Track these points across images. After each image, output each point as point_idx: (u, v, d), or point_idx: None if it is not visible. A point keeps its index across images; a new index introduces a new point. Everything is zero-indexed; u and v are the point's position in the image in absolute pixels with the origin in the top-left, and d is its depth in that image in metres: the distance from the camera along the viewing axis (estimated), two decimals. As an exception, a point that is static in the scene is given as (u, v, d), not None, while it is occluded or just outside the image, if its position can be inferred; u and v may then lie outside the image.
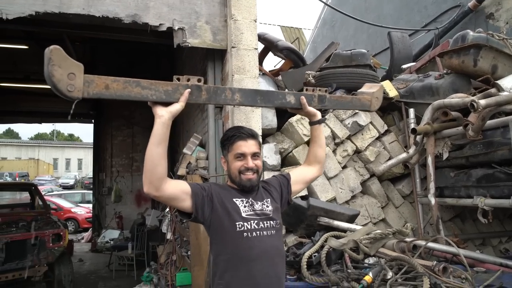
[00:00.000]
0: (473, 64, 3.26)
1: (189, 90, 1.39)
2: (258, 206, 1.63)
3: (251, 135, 1.65)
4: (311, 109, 1.72)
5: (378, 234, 2.68)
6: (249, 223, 1.57)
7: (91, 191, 11.46)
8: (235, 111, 3.06)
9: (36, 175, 26.16)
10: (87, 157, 31.25)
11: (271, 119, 3.27)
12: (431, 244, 2.59)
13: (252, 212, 1.60)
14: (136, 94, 1.30)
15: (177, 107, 1.39)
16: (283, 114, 3.29)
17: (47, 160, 32.42)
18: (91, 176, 14.29)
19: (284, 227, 3.16)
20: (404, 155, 3.34)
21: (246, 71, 3.17)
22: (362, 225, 3.14)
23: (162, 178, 1.41)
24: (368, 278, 2.07)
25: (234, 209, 1.59)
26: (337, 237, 2.65)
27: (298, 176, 1.84)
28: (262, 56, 4.82)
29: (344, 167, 3.35)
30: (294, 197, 1.93)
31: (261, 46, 4.99)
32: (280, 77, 4.31)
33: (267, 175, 3.09)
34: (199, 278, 3.35)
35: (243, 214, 1.58)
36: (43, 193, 11.09)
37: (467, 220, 3.83)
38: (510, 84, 2.87)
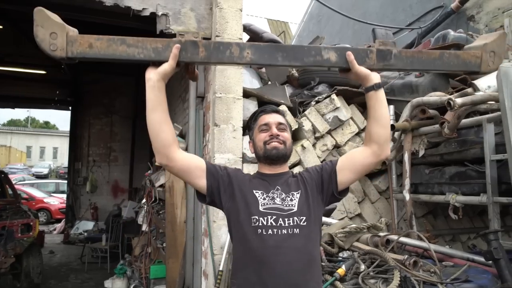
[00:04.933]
0: (451, 64, 3.32)
1: (178, 45, 1.22)
2: (279, 199, 1.41)
3: (276, 110, 1.54)
4: (361, 69, 1.31)
5: (353, 228, 2.72)
6: (265, 218, 1.36)
7: (66, 181, 11.16)
8: (216, 102, 3.02)
9: (7, 163, 25.26)
10: (63, 145, 30.34)
11: (253, 110, 3.24)
12: (403, 239, 2.64)
13: (271, 206, 1.39)
14: (121, 53, 1.21)
15: (164, 66, 1.24)
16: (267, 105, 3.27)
17: (20, 148, 31.33)
18: (66, 166, 13.94)
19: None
20: (381, 151, 3.38)
21: (228, 61, 3.12)
22: (339, 220, 3.18)
23: (169, 145, 1.32)
24: (341, 270, 2.09)
25: (252, 201, 1.40)
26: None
27: (346, 160, 1.47)
28: (245, 48, 4.78)
29: (323, 161, 3.36)
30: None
31: (246, 37, 4.95)
32: (263, 69, 4.28)
33: (246, 168, 3.07)
34: (174, 270, 3.32)
35: (261, 208, 1.38)
36: (14, 182, 10.74)
37: (439, 217, 3.93)
38: (486, 85, 2.94)
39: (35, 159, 32.48)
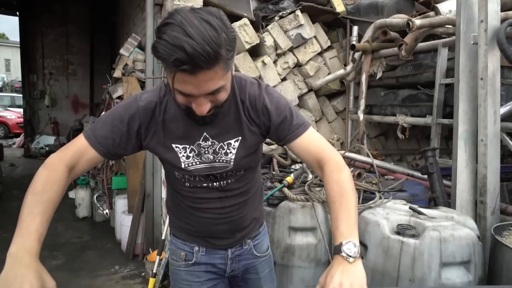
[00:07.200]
0: (418, -16, 3.27)
1: None
2: (210, 154, 1.06)
3: (205, 60, 0.79)
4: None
5: (306, 143, 2.86)
6: (192, 176, 1.09)
7: (22, 95, 10.61)
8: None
9: (-45, 74, 23.30)
10: (16, 58, 27.98)
11: (213, 22, 3.10)
12: (350, 154, 2.84)
13: (197, 167, 1.07)
14: None
15: None
16: (225, 18, 3.14)
17: (-32, 58, 28.70)
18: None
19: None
20: (341, 71, 3.43)
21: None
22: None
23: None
24: (290, 178, 2.25)
25: (172, 157, 1.06)
26: (268, 144, 2.79)
27: (302, 146, 1.06)
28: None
29: (283, 79, 3.38)
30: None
31: None
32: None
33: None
34: (134, 180, 3.42)
35: (183, 165, 1.06)
36: (-37, 93, 10.06)
37: (390, 138, 4.20)
38: (447, 9, 2.95)
39: (-15, 71, 30.04)
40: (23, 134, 9.66)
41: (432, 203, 2.45)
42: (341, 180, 1.00)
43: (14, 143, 10.17)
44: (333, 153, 1.05)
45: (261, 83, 1.09)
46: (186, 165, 1.06)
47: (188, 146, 1.05)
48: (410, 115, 3.14)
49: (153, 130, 1.04)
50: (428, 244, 1.58)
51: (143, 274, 3.04)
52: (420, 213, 1.79)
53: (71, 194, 5.13)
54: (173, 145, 1.05)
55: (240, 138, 1.07)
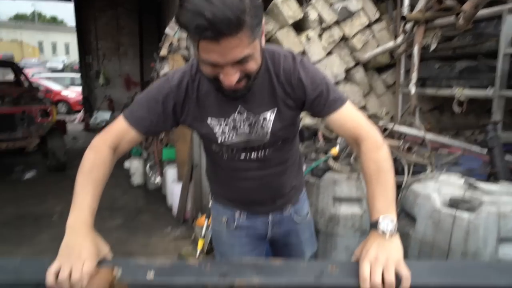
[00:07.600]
0: None
1: None
2: (246, 127, 1.06)
3: (227, 25, 0.77)
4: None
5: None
6: (228, 150, 1.11)
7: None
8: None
9: (21, 58, 25.29)
10: (74, 41, 29.82)
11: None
12: (399, 127, 2.73)
13: (233, 141, 1.08)
14: None
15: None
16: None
17: (32, 43, 30.95)
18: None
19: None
20: (391, 43, 3.27)
21: None
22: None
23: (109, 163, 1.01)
24: (334, 150, 2.21)
25: (208, 132, 1.08)
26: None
27: (338, 122, 1.03)
28: None
29: (329, 53, 3.29)
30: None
31: None
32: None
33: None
34: (183, 151, 3.56)
35: (220, 140, 1.08)
36: (31, 75, 10.93)
37: (445, 113, 3.96)
38: (516, -32, 2.67)
39: (48, 54, 32.34)
40: (82, 110, 10.37)
41: (492, 178, 2.30)
42: (379, 158, 0.95)
43: (75, 119, 10.97)
44: (371, 130, 1.01)
45: (296, 56, 1.05)
46: (223, 139, 1.08)
47: (223, 120, 1.05)
48: (469, 87, 2.93)
49: (188, 107, 1.06)
50: (485, 219, 1.49)
51: (192, 236, 3.22)
52: (477, 187, 1.69)
53: (126, 164, 5.47)
54: (209, 120, 1.06)
55: (276, 110, 1.05)
